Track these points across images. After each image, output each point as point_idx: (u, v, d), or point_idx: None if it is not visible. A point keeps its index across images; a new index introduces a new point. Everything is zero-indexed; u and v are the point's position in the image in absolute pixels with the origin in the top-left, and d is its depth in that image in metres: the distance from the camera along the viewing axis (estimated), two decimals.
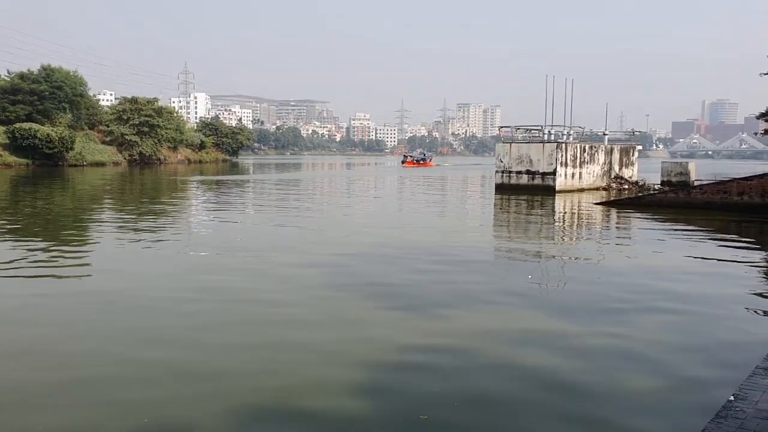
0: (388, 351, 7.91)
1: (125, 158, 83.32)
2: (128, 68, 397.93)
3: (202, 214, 25.54)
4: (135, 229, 19.37)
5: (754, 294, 11.24)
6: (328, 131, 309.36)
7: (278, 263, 13.80)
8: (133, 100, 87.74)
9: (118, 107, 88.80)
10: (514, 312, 9.84)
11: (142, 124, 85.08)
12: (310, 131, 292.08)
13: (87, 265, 13.81)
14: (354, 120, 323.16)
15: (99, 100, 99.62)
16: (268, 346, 8.13)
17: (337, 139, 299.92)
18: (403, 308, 9.92)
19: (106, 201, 31.41)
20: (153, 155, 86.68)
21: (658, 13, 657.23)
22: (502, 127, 63.78)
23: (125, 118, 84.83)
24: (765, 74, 55.33)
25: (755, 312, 10.06)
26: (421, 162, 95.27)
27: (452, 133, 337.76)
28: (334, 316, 9.53)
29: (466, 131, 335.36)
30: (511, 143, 39.00)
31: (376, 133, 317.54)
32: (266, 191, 39.28)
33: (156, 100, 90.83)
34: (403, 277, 12.28)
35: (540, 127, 41.01)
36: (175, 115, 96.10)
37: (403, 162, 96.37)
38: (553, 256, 15.19)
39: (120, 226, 20.09)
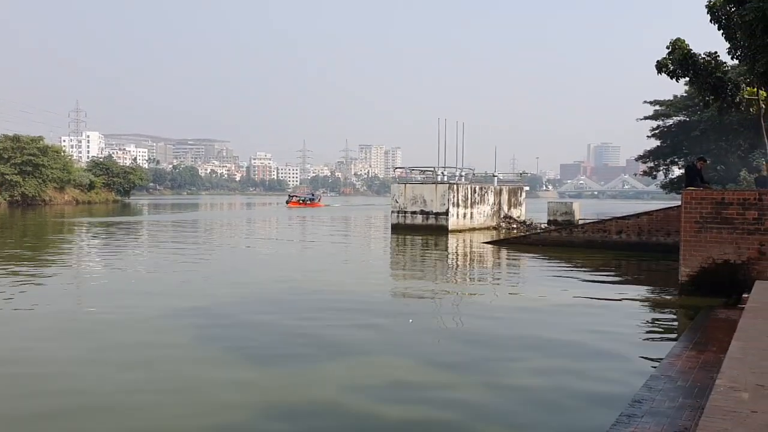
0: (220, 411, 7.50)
1: (5, 199, 78.26)
2: (17, 106, 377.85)
3: (76, 258, 24.13)
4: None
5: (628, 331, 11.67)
6: (228, 171, 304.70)
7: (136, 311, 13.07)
8: (16, 138, 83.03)
9: None
10: (382, 361, 9.65)
11: (25, 163, 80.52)
12: (208, 170, 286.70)
13: None
14: (254, 159, 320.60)
15: None
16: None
17: (237, 179, 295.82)
18: (252, 360, 9.50)
19: None
20: (36, 196, 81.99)
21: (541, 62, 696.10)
22: (397, 168, 64.62)
23: (6, 156, 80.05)
24: (641, 119, 59.57)
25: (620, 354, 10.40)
26: (308, 202, 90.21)
27: (355, 174, 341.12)
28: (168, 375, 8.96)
29: (368, 172, 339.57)
30: (405, 184, 39.60)
31: (277, 173, 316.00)
32: (156, 233, 37.78)
33: (41, 138, 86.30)
34: (272, 325, 11.88)
35: (433, 168, 41.96)
36: (62, 154, 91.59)
37: (287, 202, 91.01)
38: (439, 297, 15.25)
39: None
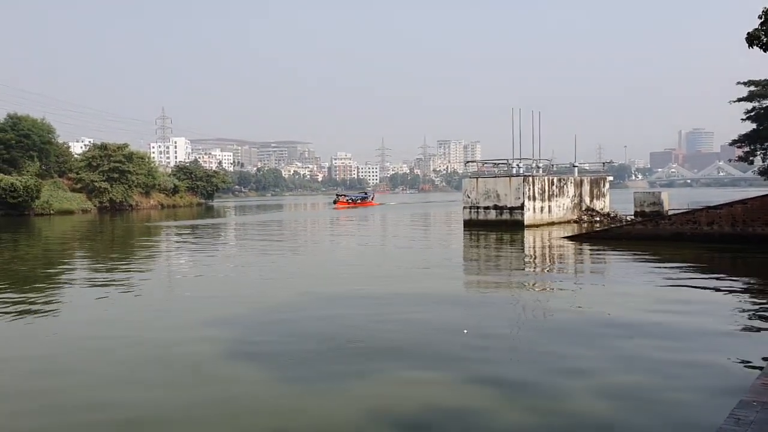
0: None
1: (95, 205, 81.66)
2: (108, 116, 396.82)
3: (169, 260, 24.09)
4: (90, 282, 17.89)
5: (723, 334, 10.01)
6: (310, 171, 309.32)
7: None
8: (103, 147, 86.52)
9: (87, 154, 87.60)
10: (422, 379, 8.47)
11: (112, 170, 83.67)
12: (291, 172, 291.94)
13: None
14: (335, 159, 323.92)
15: (69, 147, 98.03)
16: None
17: (319, 179, 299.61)
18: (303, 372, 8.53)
19: (61, 252, 29.84)
20: (124, 201, 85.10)
21: (636, 44, 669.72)
22: (469, 161, 61.67)
23: (95, 164, 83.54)
24: (734, 102, 55.49)
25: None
26: (358, 201, 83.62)
27: (433, 170, 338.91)
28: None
29: (447, 167, 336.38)
30: (477, 178, 38.01)
31: (357, 172, 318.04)
32: (239, 235, 37.87)
33: (126, 145, 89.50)
34: (329, 327, 10.90)
35: (506, 161, 40.12)
36: (146, 160, 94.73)
37: (334, 202, 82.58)
38: (512, 303, 13.91)
39: (79, 278, 18.60)
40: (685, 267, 18.41)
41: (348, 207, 77.27)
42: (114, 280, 18.08)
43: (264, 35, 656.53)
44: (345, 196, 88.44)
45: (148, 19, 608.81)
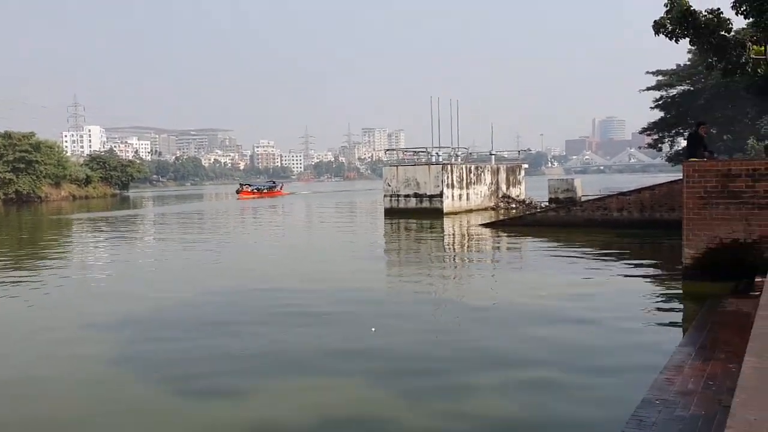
0: None
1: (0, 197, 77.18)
2: (12, 102, 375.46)
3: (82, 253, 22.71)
4: None
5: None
6: (231, 160, 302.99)
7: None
8: (7, 135, 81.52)
9: None
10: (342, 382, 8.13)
11: (18, 160, 79.16)
12: (212, 160, 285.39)
13: None
14: (258, 147, 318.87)
15: None
16: None
17: (241, 168, 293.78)
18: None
19: None
20: (31, 193, 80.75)
21: (549, 36, 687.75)
22: (388, 150, 61.38)
23: None
24: (643, 90, 57.54)
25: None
26: (265, 191, 78.28)
27: (358, 158, 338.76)
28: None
29: (372, 155, 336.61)
30: (398, 166, 37.99)
31: (281, 160, 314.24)
32: (149, 227, 36.36)
33: (33, 134, 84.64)
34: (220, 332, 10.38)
35: (425, 150, 40.25)
36: (55, 149, 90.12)
37: (237, 192, 77.03)
38: (421, 293, 13.72)
39: None
40: (596, 253, 18.77)
41: (253, 197, 72.88)
42: (12, 277, 16.89)
43: (182, 18, 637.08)
44: (249, 185, 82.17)
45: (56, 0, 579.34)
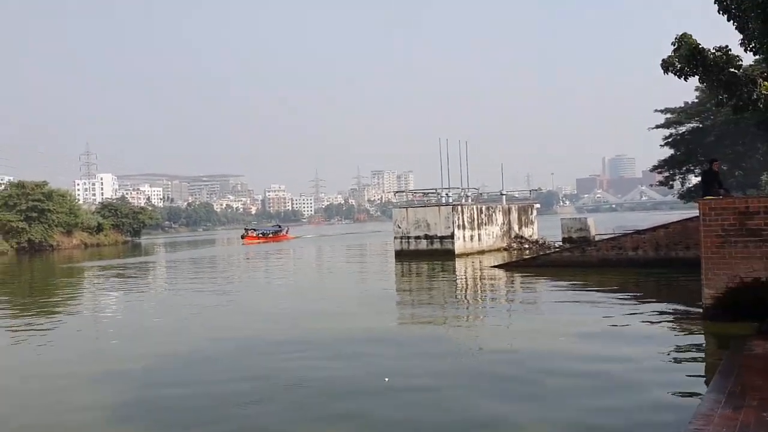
0: None
1: (12, 246, 77.48)
2: (28, 152, 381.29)
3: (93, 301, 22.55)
4: None
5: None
6: (243, 204, 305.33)
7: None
8: (20, 185, 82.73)
9: (3, 193, 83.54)
10: None
11: (31, 209, 79.98)
12: (224, 205, 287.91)
13: None
14: (269, 192, 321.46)
15: None
16: None
17: (253, 212, 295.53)
18: None
19: None
20: (43, 241, 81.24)
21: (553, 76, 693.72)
22: (397, 191, 61.36)
23: (11, 203, 79.70)
24: (652, 128, 57.51)
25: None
26: (270, 236, 78.07)
27: (368, 200, 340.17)
28: None
29: (381, 197, 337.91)
30: (407, 208, 37.90)
31: (292, 204, 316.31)
32: (161, 274, 36.24)
33: (45, 183, 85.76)
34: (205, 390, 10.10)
35: (435, 190, 40.18)
36: (67, 197, 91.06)
37: (242, 237, 76.10)
38: (441, 343, 13.40)
39: None
40: (613, 294, 18.36)
41: (258, 242, 72.50)
42: (27, 325, 16.72)
43: (192, 67, 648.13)
44: (254, 230, 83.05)
45: (70, 48, 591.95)
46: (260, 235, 77.35)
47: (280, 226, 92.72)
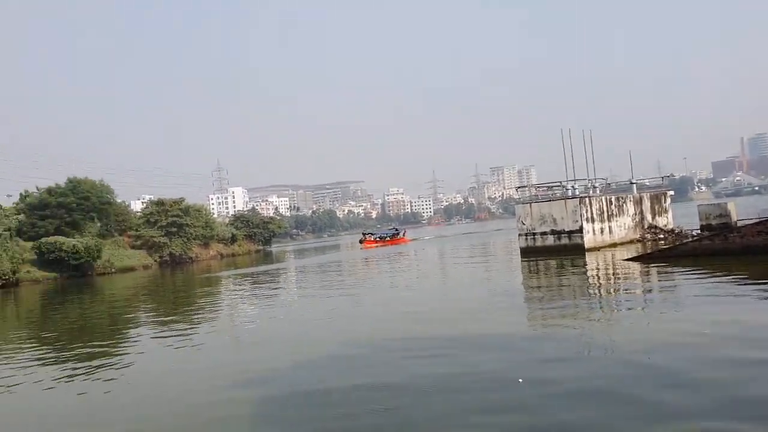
0: None
1: (155, 260, 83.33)
2: (166, 172, 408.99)
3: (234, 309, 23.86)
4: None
5: None
6: (364, 209, 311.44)
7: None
8: (160, 203, 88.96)
9: (145, 211, 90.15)
10: None
11: (170, 224, 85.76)
12: (346, 211, 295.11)
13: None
14: (388, 195, 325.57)
15: (129, 205, 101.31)
16: None
17: (373, 216, 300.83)
18: None
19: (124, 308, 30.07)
20: (183, 254, 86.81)
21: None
22: (519, 187, 59.83)
23: (153, 220, 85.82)
24: None
25: None
26: (388, 239, 78.33)
27: (488, 198, 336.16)
28: None
29: (502, 194, 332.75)
30: (531, 203, 36.78)
31: (411, 206, 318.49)
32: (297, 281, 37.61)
33: (182, 199, 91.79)
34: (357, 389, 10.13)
35: (559, 183, 38.77)
36: (203, 212, 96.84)
37: (360, 242, 77.72)
38: (577, 342, 12.85)
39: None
40: (761, 285, 16.86)
41: (376, 245, 73.14)
42: (176, 333, 17.90)
43: (306, 81, 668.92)
44: (372, 234, 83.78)
45: (205, 79, 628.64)
46: (378, 239, 78.11)
47: (397, 229, 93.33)
